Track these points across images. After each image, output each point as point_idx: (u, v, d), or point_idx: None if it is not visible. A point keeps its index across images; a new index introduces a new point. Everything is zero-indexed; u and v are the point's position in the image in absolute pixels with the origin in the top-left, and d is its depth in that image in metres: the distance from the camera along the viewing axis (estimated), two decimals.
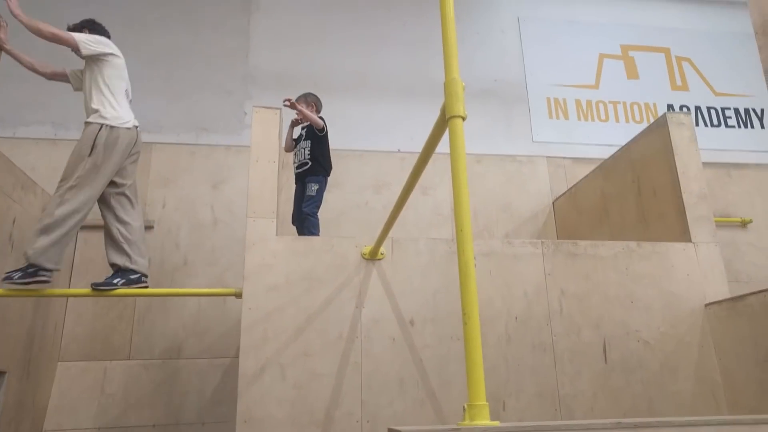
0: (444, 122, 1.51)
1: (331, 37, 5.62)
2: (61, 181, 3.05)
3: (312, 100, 3.95)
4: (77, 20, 3.53)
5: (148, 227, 4.54)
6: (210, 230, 4.64)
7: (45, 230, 2.90)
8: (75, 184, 3.00)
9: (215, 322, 4.39)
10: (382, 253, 3.00)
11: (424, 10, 5.90)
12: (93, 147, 3.04)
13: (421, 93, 5.60)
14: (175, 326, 4.33)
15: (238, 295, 2.93)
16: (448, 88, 1.49)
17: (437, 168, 5.18)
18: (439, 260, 3.07)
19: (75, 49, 3.23)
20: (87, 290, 3.12)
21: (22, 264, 2.91)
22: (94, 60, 3.27)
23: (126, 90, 3.44)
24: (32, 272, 2.88)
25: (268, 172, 3.07)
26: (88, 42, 3.25)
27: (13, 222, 3.40)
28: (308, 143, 3.80)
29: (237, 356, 3.63)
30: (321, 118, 3.80)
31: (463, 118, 1.45)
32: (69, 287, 4.25)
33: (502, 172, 5.34)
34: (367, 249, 3.00)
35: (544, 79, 5.86)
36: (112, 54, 3.32)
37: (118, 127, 3.16)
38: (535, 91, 5.81)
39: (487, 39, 5.95)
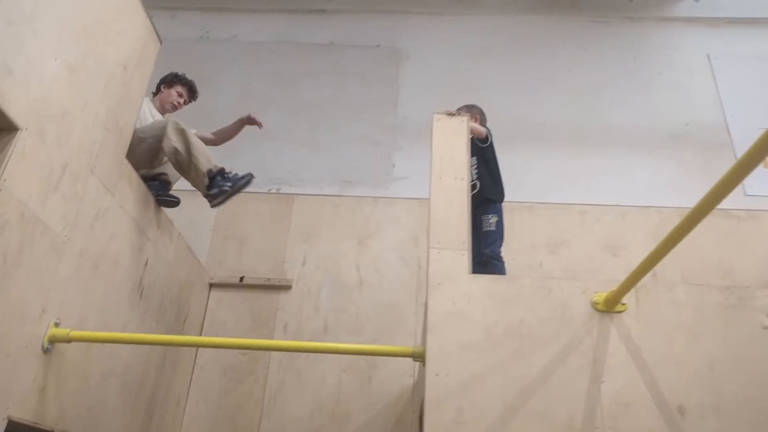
0: None
1: (486, 83, 4.99)
2: None
3: (476, 112, 3.22)
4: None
5: (286, 286, 3.92)
6: (355, 293, 3.92)
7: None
8: None
9: (358, 407, 3.53)
10: (623, 304, 2.05)
11: (590, 54, 5.17)
12: None
13: (592, 141, 4.74)
14: (311, 409, 3.53)
15: (418, 356, 2.09)
16: None
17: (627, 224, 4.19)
18: (710, 316, 2.05)
19: None
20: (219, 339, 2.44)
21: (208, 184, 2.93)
22: None
23: None
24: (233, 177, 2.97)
25: (454, 191, 2.31)
26: None
27: (146, 265, 2.89)
28: (473, 161, 3.02)
29: None
30: (485, 127, 3.05)
31: None
32: (196, 355, 3.65)
33: (715, 230, 4.18)
34: (600, 297, 2.07)
35: (751, 122, 4.76)
36: None
37: None
38: (740, 135, 4.72)
39: (673, 80, 5.03)
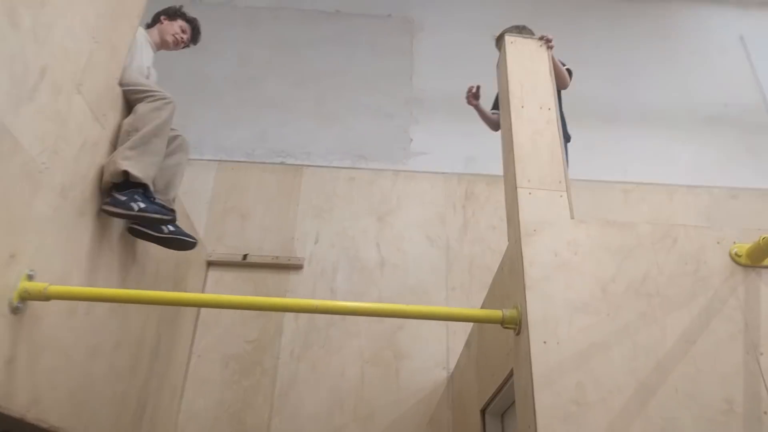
0: None
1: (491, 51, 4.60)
2: None
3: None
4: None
5: (296, 265, 3.40)
6: (376, 274, 3.42)
7: None
8: None
9: (384, 403, 3.03)
10: None
11: (618, 32, 4.82)
12: None
13: (627, 120, 4.37)
14: (329, 406, 3.00)
15: (510, 322, 1.60)
16: None
17: None
18: None
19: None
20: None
21: None
22: None
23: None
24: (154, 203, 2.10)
25: (542, 122, 1.85)
26: None
27: None
28: None
29: None
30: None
31: None
32: (193, 341, 3.10)
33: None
34: (741, 248, 1.63)
35: None
36: None
37: None
38: None
39: (706, 60, 4.70)
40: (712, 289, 1.58)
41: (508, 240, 1.83)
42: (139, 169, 2.00)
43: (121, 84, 2.14)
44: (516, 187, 1.72)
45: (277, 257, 3.41)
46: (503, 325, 1.62)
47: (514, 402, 1.73)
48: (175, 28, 2.67)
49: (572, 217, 1.69)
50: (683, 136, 4.26)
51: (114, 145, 2.10)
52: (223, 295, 2.08)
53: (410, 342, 3.21)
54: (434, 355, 3.15)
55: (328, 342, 3.19)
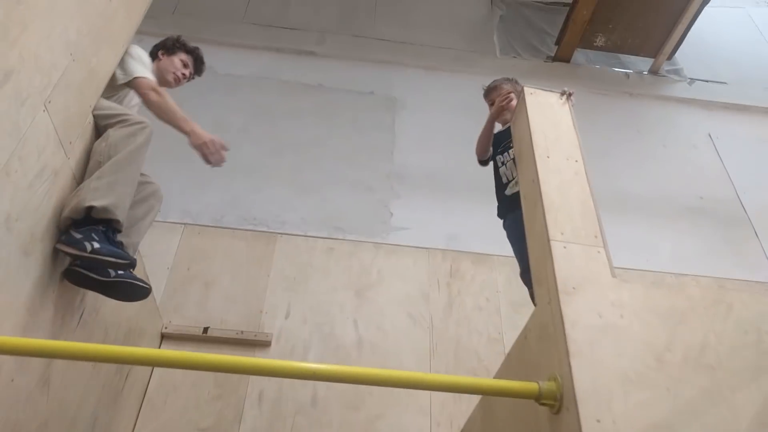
0: None
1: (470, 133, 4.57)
2: None
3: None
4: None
5: (264, 342, 3.03)
6: (352, 354, 3.07)
7: None
8: None
9: None
10: None
11: (592, 121, 4.90)
12: None
13: (607, 206, 4.32)
14: None
15: (549, 397, 1.32)
16: None
17: None
18: None
19: None
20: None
21: None
22: None
23: None
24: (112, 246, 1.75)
25: (569, 173, 1.68)
26: None
27: None
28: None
29: None
30: None
31: None
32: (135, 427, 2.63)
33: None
34: None
35: (764, 198, 4.54)
36: None
37: None
38: (755, 210, 4.46)
39: (679, 153, 4.82)
40: None
41: (537, 303, 1.58)
42: (107, 201, 1.71)
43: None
44: (549, 240, 1.51)
45: (242, 332, 3.04)
46: (539, 401, 1.34)
47: None
48: (175, 63, 2.38)
49: (613, 276, 1.48)
50: (664, 226, 4.23)
51: (77, 180, 1.81)
52: (185, 353, 1.67)
53: None
54: None
55: None
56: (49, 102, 1.61)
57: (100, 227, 1.74)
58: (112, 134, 1.84)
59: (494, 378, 1.85)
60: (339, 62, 5.00)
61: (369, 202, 4.02)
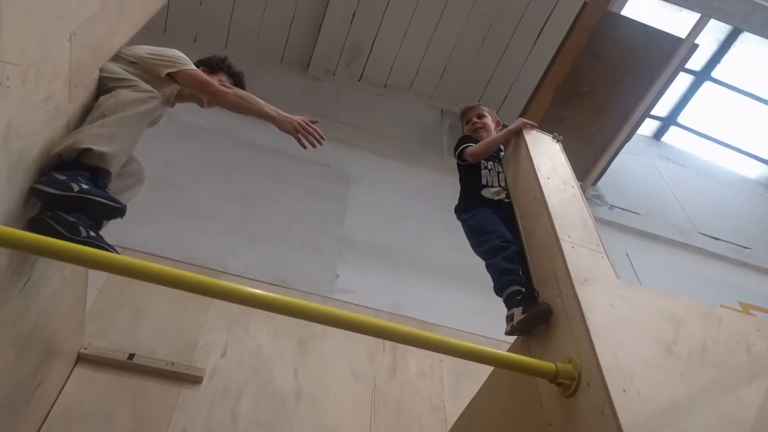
0: None
1: (427, 228, 4.68)
2: None
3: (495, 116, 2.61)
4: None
5: (195, 377, 2.74)
6: (290, 404, 2.82)
7: None
8: None
9: None
10: None
11: None
12: None
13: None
14: None
15: (566, 376, 1.29)
16: None
17: None
18: None
19: None
20: None
21: None
22: None
23: None
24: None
25: (568, 194, 1.79)
26: None
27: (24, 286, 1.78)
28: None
29: None
30: None
31: None
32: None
33: None
34: None
35: None
36: None
37: None
38: None
39: None
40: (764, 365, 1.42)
41: (541, 300, 1.59)
42: (106, 148, 1.59)
43: (100, 69, 1.81)
44: (558, 240, 1.56)
45: (173, 363, 2.74)
46: (555, 380, 1.30)
47: None
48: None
49: (618, 278, 1.53)
50: None
51: (70, 130, 1.69)
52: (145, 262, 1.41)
53: None
54: None
55: None
56: (75, 35, 1.54)
57: (87, 174, 1.60)
58: (123, 93, 1.76)
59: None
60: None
61: (316, 261, 3.95)
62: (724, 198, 6.99)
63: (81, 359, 2.62)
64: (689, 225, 6.29)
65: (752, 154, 7.25)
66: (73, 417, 2.44)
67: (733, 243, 6.15)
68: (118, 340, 2.78)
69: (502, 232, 1.82)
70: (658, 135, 7.50)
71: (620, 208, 6.08)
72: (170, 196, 3.91)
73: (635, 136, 6.28)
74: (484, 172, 2.35)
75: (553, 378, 1.30)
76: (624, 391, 1.19)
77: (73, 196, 1.51)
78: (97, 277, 2.98)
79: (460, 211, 2.23)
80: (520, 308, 1.56)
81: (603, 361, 1.25)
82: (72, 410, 2.46)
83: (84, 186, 1.54)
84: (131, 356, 2.69)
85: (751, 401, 1.32)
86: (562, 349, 1.38)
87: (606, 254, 1.60)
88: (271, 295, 1.37)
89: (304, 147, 2.03)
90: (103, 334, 2.79)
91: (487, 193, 2.09)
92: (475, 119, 2.43)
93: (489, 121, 2.48)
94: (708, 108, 6.95)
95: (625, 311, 1.41)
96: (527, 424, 1.45)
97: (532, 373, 1.35)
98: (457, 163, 2.36)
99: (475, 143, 2.30)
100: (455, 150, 2.34)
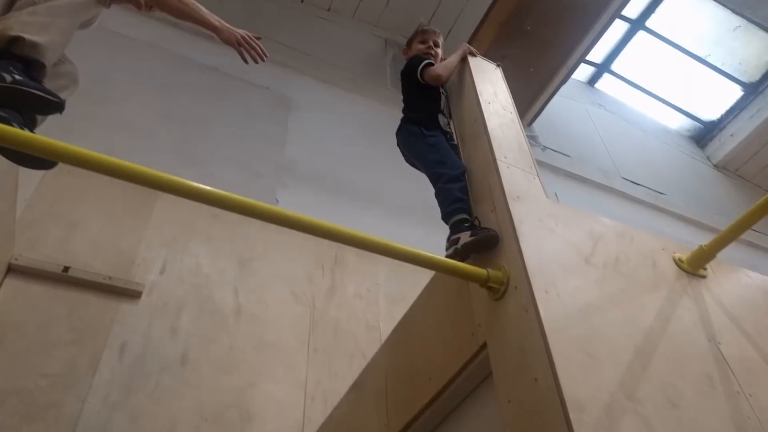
0: None
1: (367, 158, 4.75)
2: None
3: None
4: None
5: (134, 292, 2.75)
6: (230, 321, 2.90)
7: None
8: None
9: None
10: (704, 269, 1.74)
11: None
12: None
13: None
14: None
15: (496, 281, 1.42)
16: None
17: None
18: None
19: None
20: None
21: None
22: None
23: None
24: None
25: (506, 120, 1.88)
26: None
27: None
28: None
29: None
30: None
31: None
32: None
33: None
34: (682, 255, 1.74)
35: None
36: None
37: None
38: None
39: None
40: (669, 284, 1.62)
41: (477, 217, 1.71)
42: (39, 38, 1.52)
43: None
44: (495, 160, 1.66)
45: (110, 278, 2.73)
46: (486, 284, 1.44)
47: (463, 400, 1.49)
48: None
49: (547, 197, 1.67)
50: None
51: None
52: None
53: (262, 403, 2.67)
54: (290, 417, 2.65)
55: (159, 390, 2.51)
56: None
57: (19, 65, 1.53)
58: None
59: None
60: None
61: (256, 185, 3.93)
62: (647, 146, 7.40)
63: (12, 270, 2.56)
64: (614, 170, 6.66)
65: (675, 105, 7.65)
66: (6, 325, 2.41)
67: (650, 188, 6.58)
68: (51, 253, 2.73)
69: (461, 164, 1.86)
70: (592, 81, 7.75)
71: (552, 150, 6.34)
72: (102, 111, 3.74)
73: (571, 81, 6.48)
74: (443, 98, 2.32)
75: (485, 282, 1.43)
76: (546, 292, 1.34)
77: (6, 87, 1.45)
78: (25, 188, 2.88)
79: (420, 125, 2.08)
80: (468, 232, 1.62)
81: (530, 267, 1.38)
82: (5, 319, 2.43)
83: (17, 77, 1.47)
84: (66, 269, 2.65)
85: (652, 306, 1.51)
86: (494, 260, 1.51)
87: (538, 176, 1.73)
88: (221, 192, 1.37)
89: (246, 62, 2.01)
90: (34, 246, 2.72)
91: (441, 120, 2.11)
92: (432, 44, 2.38)
93: (440, 52, 2.48)
94: (640, 57, 7.22)
95: (551, 225, 1.55)
96: (459, 327, 1.59)
97: (465, 277, 1.47)
98: (417, 82, 2.20)
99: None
100: (416, 66, 2.21)
